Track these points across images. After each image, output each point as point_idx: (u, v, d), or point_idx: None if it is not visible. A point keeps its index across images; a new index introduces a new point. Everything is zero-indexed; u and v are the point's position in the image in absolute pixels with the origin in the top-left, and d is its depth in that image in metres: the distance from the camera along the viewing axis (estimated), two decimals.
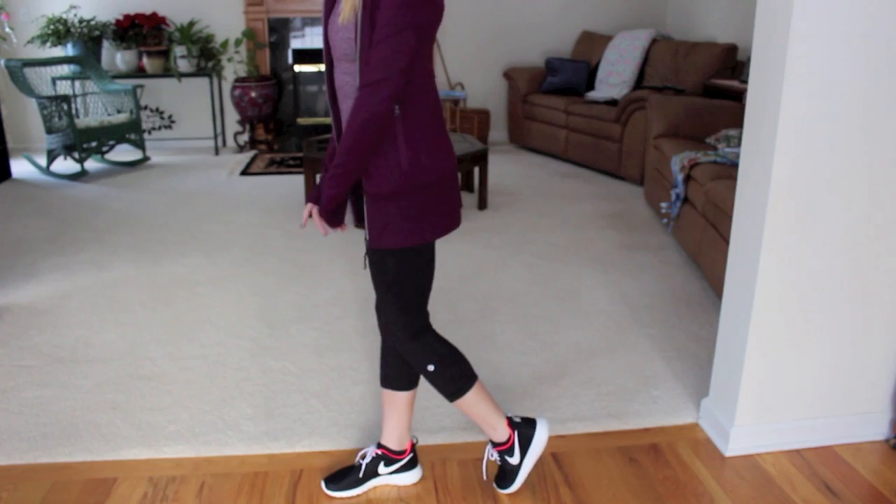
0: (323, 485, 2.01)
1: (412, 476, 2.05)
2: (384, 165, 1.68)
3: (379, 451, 2.02)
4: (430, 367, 1.85)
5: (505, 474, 2.00)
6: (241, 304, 3.21)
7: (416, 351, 1.84)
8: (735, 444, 2.18)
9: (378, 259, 1.79)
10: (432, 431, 2.27)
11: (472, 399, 1.90)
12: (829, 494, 2.01)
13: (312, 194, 1.84)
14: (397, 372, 1.96)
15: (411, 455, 2.04)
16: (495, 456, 1.99)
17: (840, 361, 2.17)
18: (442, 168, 1.74)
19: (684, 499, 1.99)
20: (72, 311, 3.13)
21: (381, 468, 2.02)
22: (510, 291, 3.35)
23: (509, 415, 2.00)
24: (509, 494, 2.00)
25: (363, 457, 2.03)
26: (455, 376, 1.88)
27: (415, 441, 2.07)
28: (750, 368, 2.12)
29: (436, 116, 1.74)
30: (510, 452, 1.96)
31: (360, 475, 2.01)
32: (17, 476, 2.08)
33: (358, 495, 2.00)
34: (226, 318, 3.07)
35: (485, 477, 2.06)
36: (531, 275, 3.55)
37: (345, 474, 2.02)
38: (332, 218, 1.80)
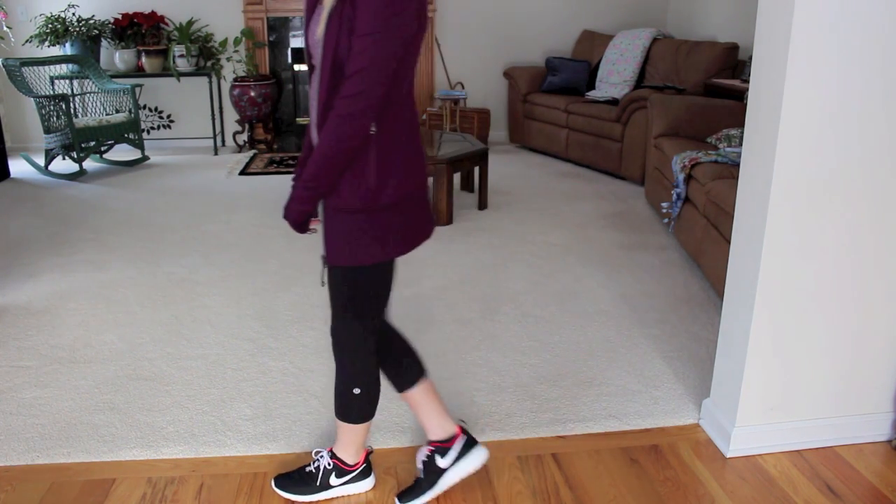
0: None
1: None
2: (351, 181, 1.58)
3: (431, 448, 1.97)
4: (356, 391, 1.82)
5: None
6: (240, 304, 3.20)
7: (351, 366, 1.81)
8: (736, 444, 2.17)
9: (336, 275, 1.72)
10: None
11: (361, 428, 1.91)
12: (831, 495, 2.00)
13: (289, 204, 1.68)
14: (406, 370, 1.93)
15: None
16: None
17: (842, 362, 2.16)
18: (410, 189, 1.67)
19: (685, 500, 1.98)
20: (70, 312, 3.12)
21: (438, 461, 1.96)
22: (510, 291, 3.34)
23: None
24: (509, 495, 1.99)
25: (422, 464, 1.98)
26: (371, 402, 1.87)
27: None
28: (751, 369, 2.11)
29: (412, 134, 1.66)
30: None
31: (422, 482, 1.97)
32: (15, 477, 2.07)
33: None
34: (225, 318, 3.06)
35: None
36: (531, 275, 3.54)
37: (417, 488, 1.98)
38: (302, 227, 1.70)
